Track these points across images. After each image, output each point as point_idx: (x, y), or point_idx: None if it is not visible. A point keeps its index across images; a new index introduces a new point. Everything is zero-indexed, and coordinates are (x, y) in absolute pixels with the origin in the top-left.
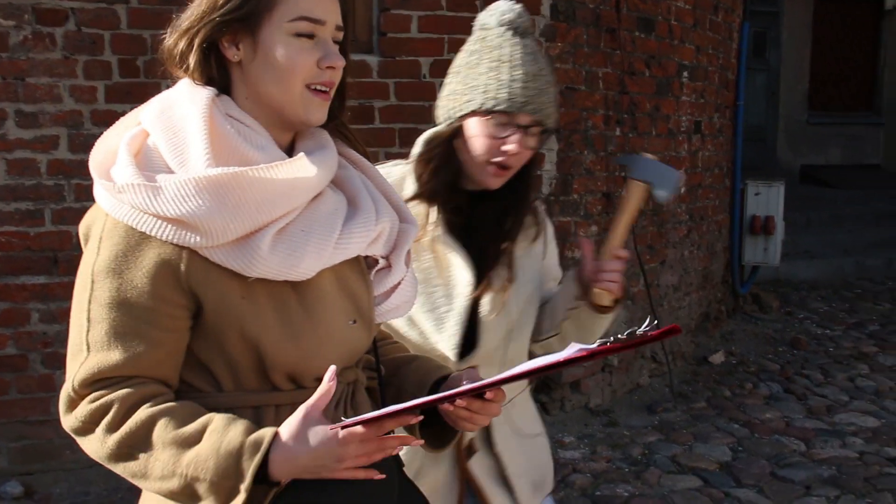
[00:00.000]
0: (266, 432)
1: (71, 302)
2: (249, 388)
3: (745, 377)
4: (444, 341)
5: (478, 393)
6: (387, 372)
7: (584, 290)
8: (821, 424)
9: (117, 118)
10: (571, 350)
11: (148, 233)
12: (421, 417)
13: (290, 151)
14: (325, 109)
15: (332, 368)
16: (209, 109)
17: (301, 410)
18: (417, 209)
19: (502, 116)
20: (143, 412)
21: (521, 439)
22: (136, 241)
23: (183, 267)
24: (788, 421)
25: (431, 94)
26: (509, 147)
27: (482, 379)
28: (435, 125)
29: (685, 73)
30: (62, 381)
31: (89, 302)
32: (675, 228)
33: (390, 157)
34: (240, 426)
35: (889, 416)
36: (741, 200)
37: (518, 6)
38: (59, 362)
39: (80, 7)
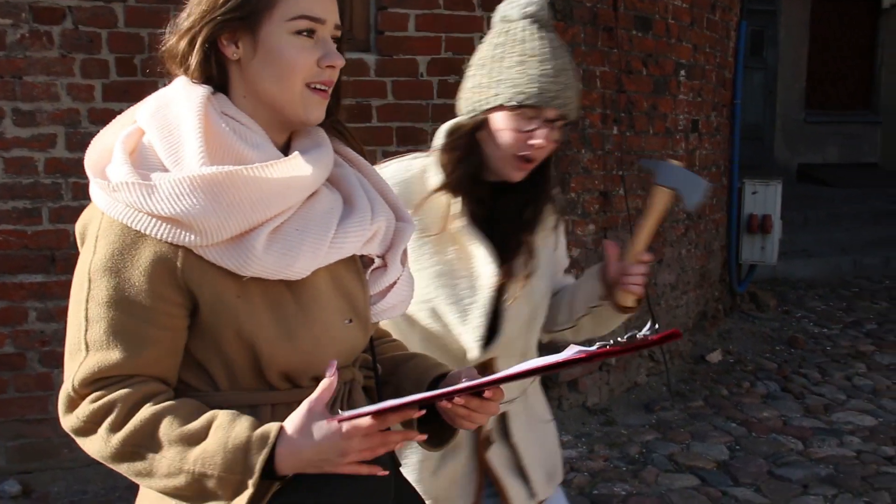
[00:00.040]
0: (272, 426)
1: (68, 301)
2: (246, 388)
3: (742, 376)
4: (469, 333)
5: (477, 391)
6: (385, 370)
7: (608, 290)
8: (818, 423)
9: (114, 116)
10: (571, 352)
11: (143, 231)
12: (421, 412)
13: (285, 150)
14: (324, 108)
15: (334, 362)
16: (204, 108)
17: (305, 405)
18: (440, 200)
19: (530, 111)
20: (146, 411)
21: (536, 427)
22: (131, 239)
23: (179, 265)
24: (786, 420)
25: (429, 92)
26: (536, 141)
27: (481, 378)
28: (432, 124)
29: (682, 72)
30: (60, 380)
31: (87, 301)
32: (672, 227)
33: (388, 155)
34: (245, 421)
35: (886, 414)
36: (738, 199)
37: None
38: (56, 361)
39: (78, 5)
